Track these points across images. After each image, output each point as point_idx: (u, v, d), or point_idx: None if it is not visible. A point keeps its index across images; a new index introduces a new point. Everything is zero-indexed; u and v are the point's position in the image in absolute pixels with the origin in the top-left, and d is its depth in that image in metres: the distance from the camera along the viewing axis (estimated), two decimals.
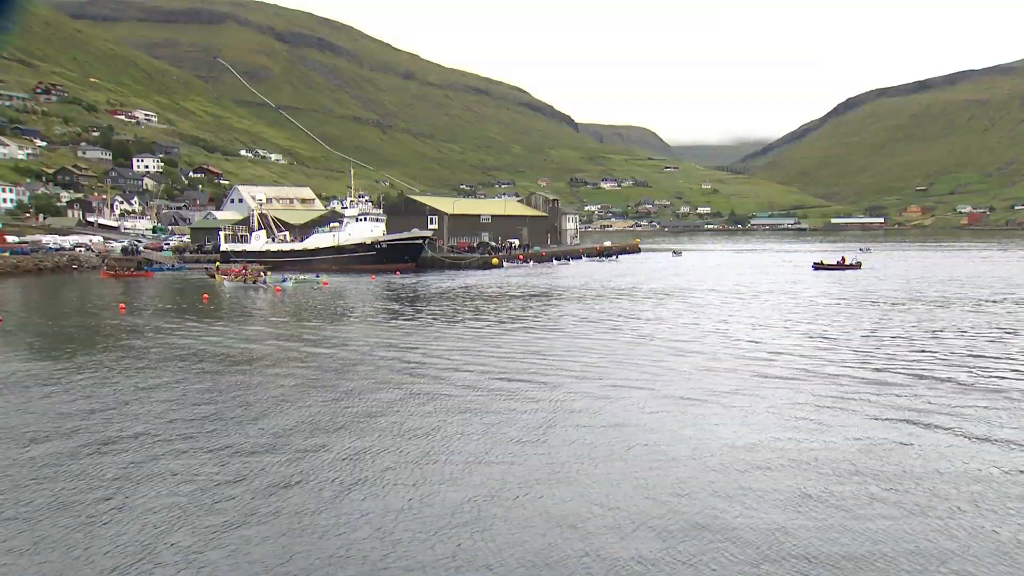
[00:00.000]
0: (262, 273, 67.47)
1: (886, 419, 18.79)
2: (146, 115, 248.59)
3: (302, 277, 68.10)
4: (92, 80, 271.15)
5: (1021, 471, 14.87)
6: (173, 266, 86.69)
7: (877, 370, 24.85)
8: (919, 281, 62.39)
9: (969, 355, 27.47)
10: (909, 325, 35.95)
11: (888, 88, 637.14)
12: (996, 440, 16.93)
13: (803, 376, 24.09)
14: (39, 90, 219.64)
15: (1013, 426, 18.04)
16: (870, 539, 11.86)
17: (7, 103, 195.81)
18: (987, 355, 27.49)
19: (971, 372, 24.34)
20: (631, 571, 10.93)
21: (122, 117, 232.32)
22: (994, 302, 46.02)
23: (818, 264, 78.12)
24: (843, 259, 79.58)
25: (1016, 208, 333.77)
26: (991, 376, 23.72)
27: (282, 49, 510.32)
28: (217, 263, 79.17)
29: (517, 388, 22.68)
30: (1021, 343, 30.26)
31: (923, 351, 28.49)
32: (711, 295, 52.41)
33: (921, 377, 23.69)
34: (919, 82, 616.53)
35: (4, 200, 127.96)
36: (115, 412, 20.23)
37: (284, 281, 63.63)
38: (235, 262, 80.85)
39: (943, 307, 43.57)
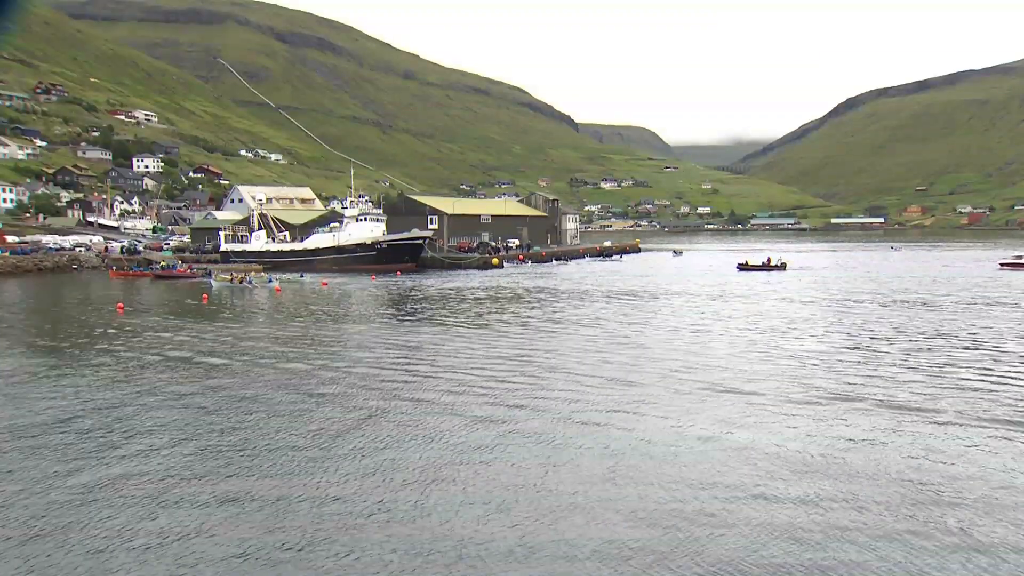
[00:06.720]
0: (253, 274, 69.04)
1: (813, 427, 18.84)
2: (146, 115, 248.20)
3: (287, 277, 69.50)
4: (92, 80, 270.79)
5: (926, 471, 14.91)
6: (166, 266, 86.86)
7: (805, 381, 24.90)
8: (836, 282, 62.52)
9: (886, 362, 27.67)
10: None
11: (888, 88, 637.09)
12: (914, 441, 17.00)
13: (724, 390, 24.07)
14: (39, 90, 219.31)
15: (920, 428, 18.24)
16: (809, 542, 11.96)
17: (7, 103, 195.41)
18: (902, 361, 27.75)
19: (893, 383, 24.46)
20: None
21: (122, 117, 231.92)
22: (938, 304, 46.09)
23: (743, 265, 78.41)
24: (768, 260, 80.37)
25: (1016, 208, 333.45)
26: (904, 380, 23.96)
27: (282, 49, 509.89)
28: (163, 264, 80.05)
29: (508, 393, 22.74)
30: (930, 345, 30.40)
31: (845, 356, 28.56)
32: (681, 297, 52.52)
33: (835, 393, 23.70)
34: (919, 82, 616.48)
35: (4, 200, 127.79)
36: (116, 411, 20.27)
37: (270, 282, 64.56)
38: (235, 262, 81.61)
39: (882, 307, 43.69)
